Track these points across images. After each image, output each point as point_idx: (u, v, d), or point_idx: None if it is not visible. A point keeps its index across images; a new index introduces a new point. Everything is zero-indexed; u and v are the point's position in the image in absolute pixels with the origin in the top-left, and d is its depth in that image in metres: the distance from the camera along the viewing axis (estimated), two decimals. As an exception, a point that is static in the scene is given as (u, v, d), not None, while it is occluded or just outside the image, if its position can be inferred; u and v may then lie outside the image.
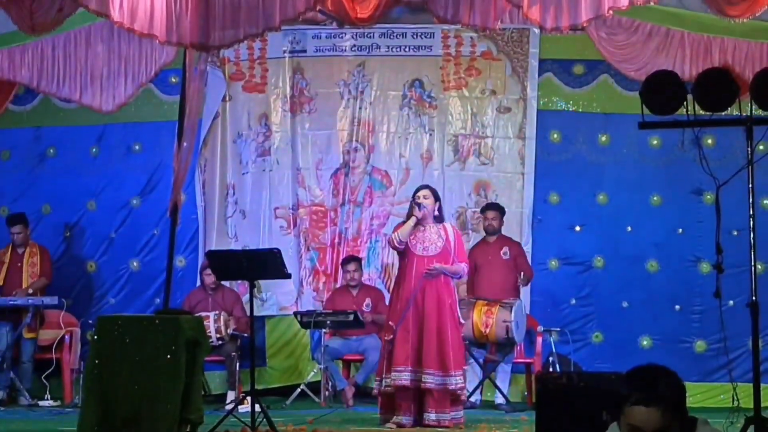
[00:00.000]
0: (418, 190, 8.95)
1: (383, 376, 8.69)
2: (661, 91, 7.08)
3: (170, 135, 10.29)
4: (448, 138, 11.63)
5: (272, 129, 11.79)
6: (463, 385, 8.61)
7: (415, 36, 11.66)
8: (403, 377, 8.51)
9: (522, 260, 10.89)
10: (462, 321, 8.92)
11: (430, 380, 8.49)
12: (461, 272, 8.86)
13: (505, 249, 10.87)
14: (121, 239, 12.09)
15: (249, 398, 8.49)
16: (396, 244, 8.76)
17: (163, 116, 11.71)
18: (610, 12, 8.24)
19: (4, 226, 11.79)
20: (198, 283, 11.42)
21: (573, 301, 11.41)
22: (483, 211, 11.09)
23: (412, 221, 8.72)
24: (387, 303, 9.93)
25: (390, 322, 8.75)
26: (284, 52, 11.77)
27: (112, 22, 8.94)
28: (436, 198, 8.88)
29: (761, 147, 7.51)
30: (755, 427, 6.73)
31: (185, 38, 8.83)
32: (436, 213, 8.82)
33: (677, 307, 11.20)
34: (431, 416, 8.54)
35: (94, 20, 9.77)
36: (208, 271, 10.61)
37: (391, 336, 8.64)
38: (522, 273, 10.78)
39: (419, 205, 8.71)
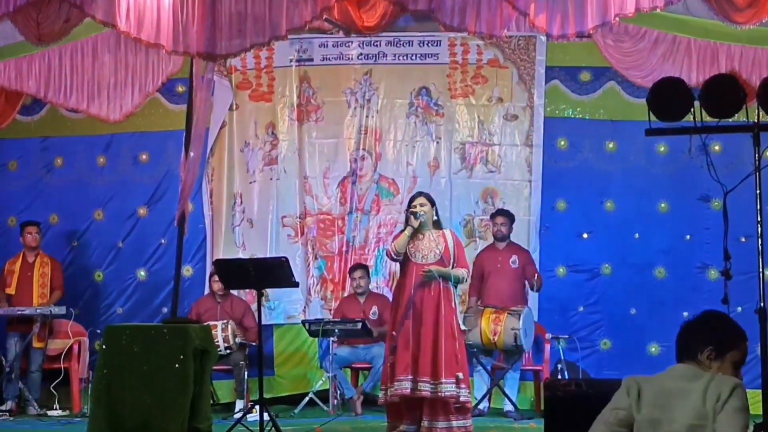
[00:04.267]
0: (413, 198, 8.86)
1: (387, 385, 8.66)
2: (668, 98, 7.09)
3: (177, 144, 10.29)
4: (455, 146, 11.63)
5: (279, 138, 11.79)
6: (455, 393, 8.43)
7: (421, 44, 11.66)
8: (404, 386, 8.48)
9: (531, 268, 10.86)
10: (463, 328, 8.86)
11: (423, 388, 8.46)
12: (461, 277, 8.80)
13: (514, 257, 10.86)
14: (128, 249, 12.10)
15: (257, 407, 8.50)
16: (394, 256, 8.71)
17: (170, 125, 11.70)
18: (617, 19, 8.22)
19: (13, 236, 11.83)
20: (207, 290, 11.44)
21: (581, 309, 11.40)
22: (492, 216, 11.08)
23: (408, 231, 8.65)
24: (392, 311, 9.91)
25: (393, 332, 8.72)
26: (291, 60, 11.78)
27: (118, 31, 8.98)
28: (432, 203, 8.82)
29: (768, 153, 7.50)
30: (764, 434, 6.72)
31: (192, 47, 8.83)
32: (435, 218, 8.77)
33: (685, 313, 11.14)
34: (425, 423, 8.52)
35: (100, 30, 9.79)
36: (216, 277, 10.60)
37: (393, 345, 8.62)
38: (535, 276, 10.72)
39: (415, 214, 8.66)
